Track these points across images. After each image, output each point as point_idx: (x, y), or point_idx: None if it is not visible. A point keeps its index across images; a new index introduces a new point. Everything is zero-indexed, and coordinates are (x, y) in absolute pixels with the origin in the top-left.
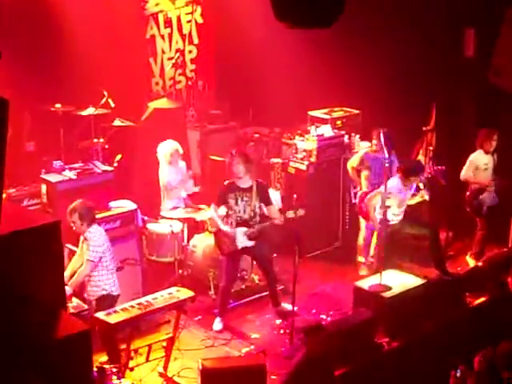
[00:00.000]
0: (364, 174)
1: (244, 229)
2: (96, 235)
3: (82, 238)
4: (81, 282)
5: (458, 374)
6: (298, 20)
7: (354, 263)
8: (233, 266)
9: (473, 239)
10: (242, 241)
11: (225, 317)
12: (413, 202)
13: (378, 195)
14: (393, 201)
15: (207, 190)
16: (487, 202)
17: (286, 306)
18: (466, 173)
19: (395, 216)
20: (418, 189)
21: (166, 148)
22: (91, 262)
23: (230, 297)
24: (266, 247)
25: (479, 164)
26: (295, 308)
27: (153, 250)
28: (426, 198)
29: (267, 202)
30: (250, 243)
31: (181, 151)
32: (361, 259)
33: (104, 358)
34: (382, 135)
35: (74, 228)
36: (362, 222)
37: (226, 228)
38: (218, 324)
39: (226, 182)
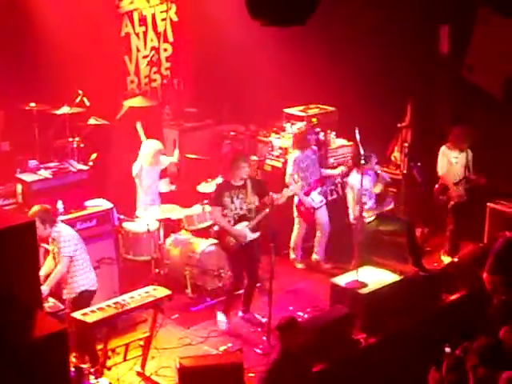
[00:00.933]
0: (299, 176)
1: (245, 223)
2: (63, 232)
3: (50, 240)
4: (57, 282)
5: (448, 350)
6: (272, 18)
7: (330, 259)
8: (239, 263)
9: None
10: (247, 235)
11: (229, 320)
12: (377, 190)
13: None
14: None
15: (183, 188)
16: (455, 198)
17: (258, 316)
18: (442, 167)
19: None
20: (376, 175)
21: (149, 149)
22: (67, 258)
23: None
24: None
25: (449, 158)
26: (261, 318)
27: (129, 248)
28: (388, 179)
29: (265, 193)
30: (255, 235)
31: (163, 150)
32: (293, 256)
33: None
34: (356, 132)
35: (39, 233)
36: (298, 223)
37: (234, 228)
38: (223, 324)
39: (218, 182)
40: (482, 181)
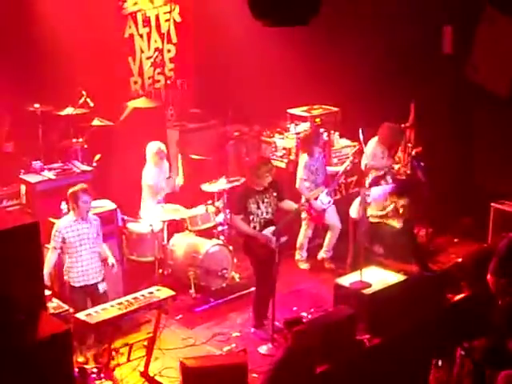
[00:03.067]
0: (311, 179)
1: (271, 228)
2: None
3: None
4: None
5: (440, 363)
6: (275, 18)
7: (334, 260)
8: (268, 270)
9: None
10: (273, 240)
11: (261, 328)
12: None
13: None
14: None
15: (187, 190)
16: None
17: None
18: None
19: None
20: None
21: (151, 148)
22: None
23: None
24: None
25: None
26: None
27: (133, 249)
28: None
29: (283, 197)
30: (283, 239)
31: (165, 151)
32: (298, 256)
33: (81, 358)
34: (360, 132)
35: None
36: (305, 225)
37: (256, 233)
38: (263, 336)
39: (240, 188)
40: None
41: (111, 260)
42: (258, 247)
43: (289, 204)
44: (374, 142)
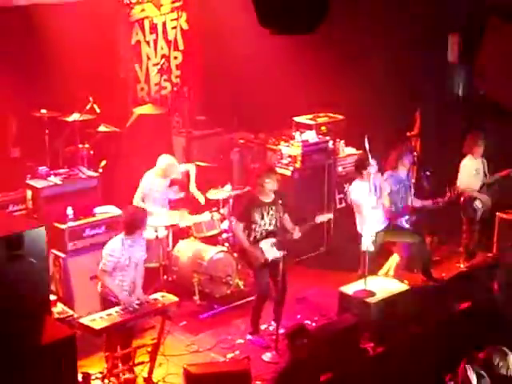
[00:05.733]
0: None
1: (272, 239)
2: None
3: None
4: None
5: None
6: (281, 26)
7: (338, 268)
8: (265, 280)
9: (461, 245)
10: (272, 252)
11: (257, 335)
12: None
13: None
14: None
15: (192, 196)
16: (480, 207)
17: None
18: (464, 180)
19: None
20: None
21: (163, 161)
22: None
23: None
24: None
25: (472, 169)
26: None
27: None
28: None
29: (285, 209)
30: (280, 253)
31: (175, 169)
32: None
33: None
34: (366, 141)
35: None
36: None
37: (249, 247)
38: (259, 342)
39: (246, 196)
40: (506, 172)
41: (139, 293)
42: (252, 256)
43: (287, 224)
44: (467, 158)
